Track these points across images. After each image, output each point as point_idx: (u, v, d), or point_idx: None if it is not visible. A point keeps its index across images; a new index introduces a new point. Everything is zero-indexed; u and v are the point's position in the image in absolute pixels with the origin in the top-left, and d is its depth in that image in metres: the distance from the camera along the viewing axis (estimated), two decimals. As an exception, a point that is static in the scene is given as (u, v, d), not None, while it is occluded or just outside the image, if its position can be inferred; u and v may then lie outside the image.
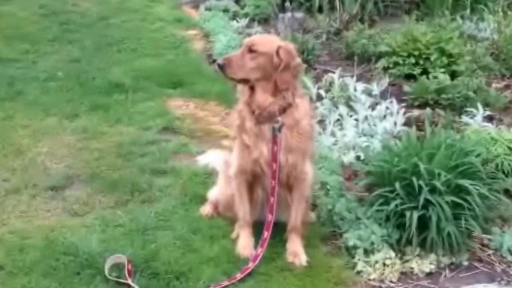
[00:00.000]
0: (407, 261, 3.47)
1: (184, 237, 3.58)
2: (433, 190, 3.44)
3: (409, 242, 3.50)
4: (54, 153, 4.67)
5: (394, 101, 5.34)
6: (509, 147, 4.27)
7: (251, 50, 3.30)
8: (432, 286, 3.35)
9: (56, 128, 5.10)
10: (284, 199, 3.49)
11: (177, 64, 6.66)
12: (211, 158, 4.42)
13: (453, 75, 6.02)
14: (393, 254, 3.46)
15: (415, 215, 3.37)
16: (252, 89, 3.34)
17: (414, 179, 3.42)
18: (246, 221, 3.53)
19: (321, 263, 3.44)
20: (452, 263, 3.48)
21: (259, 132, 3.33)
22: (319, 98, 5.58)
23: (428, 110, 5.22)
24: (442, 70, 6.06)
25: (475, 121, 5.00)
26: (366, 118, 5.13)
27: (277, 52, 3.27)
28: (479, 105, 5.18)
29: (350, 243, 3.52)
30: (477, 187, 3.48)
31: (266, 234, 3.36)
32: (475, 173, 3.60)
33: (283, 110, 3.31)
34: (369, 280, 3.37)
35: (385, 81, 5.70)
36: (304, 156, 3.41)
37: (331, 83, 5.81)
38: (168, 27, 8.14)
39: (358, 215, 3.65)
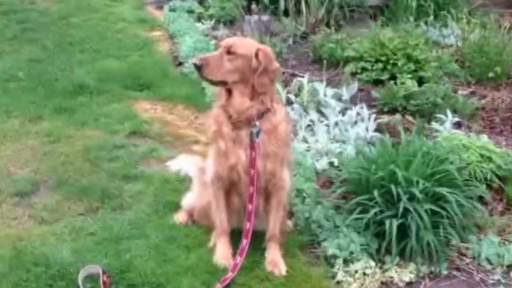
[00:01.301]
0: (386, 270, 3.45)
1: (160, 246, 3.48)
2: (411, 198, 3.43)
3: (388, 251, 3.48)
4: (18, 158, 4.49)
5: (365, 106, 5.33)
6: (481, 154, 4.31)
7: (229, 51, 3.21)
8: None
9: (19, 131, 4.92)
10: (262, 207, 3.42)
11: (143, 66, 6.51)
12: (182, 163, 4.32)
13: (420, 81, 6.05)
14: (372, 263, 3.43)
15: (395, 223, 3.36)
16: (229, 92, 3.26)
17: (392, 186, 3.41)
18: (224, 230, 3.45)
19: (300, 273, 3.38)
20: (431, 272, 3.47)
21: (236, 137, 3.25)
22: (289, 102, 5.53)
23: (398, 116, 5.23)
24: (410, 76, 6.09)
25: (445, 128, 5.03)
26: (336, 123, 5.11)
27: (256, 55, 3.20)
28: (448, 112, 5.22)
29: (329, 252, 3.48)
30: (455, 195, 3.48)
31: (245, 242, 3.28)
32: (451, 181, 3.61)
33: (261, 115, 3.24)
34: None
35: (355, 86, 5.69)
36: (282, 162, 3.34)
37: (300, 88, 5.76)
38: (131, 27, 7.97)
39: (337, 223, 3.61)
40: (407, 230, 3.42)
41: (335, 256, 3.47)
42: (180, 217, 3.76)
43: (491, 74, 6.37)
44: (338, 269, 3.41)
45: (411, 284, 3.41)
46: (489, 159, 4.32)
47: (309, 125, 5.13)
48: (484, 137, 4.69)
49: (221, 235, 3.45)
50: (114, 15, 8.50)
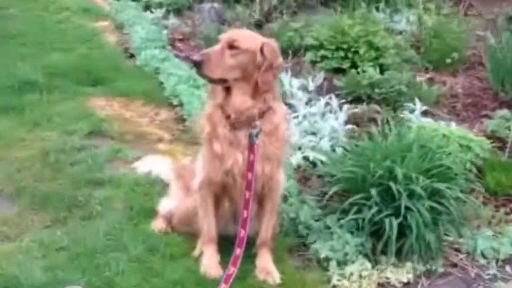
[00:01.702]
0: (382, 271, 3.28)
1: (141, 259, 3.19)
2: (411, 195, 3.28)
3: (382, 251, 3.32)
4: (-35, 165, 4.09)
5: (333, 97, 5.17)
6: (460, 144, 4.22)
7: (232, 46, 2.93)
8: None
9: (-40, 135, 4.50)
10: (254, 211, 3.18)
11: (93, 59, 6.13)
12: (152, 165, 4.06)
13: (381, 68, 5.95)
14: (368, 264, 3.27)
15: (395, 222, 3.20)
16: (227, 90, 2.99)
17: (392, 184, 3.25)
18: (211, 238, 3.20)
19: (293, 279, 3.17)
20: (427, 270, 3.33)
21: (234, 139, 3.00)
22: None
23: (372, 106, 5.10)
24: (371, 63, 5.98)
25: (416, 117, 4.92)
26: (305, 116, 4.91)
27: (261, 50, 2.94)
28: (417, 100, 5.11)
29: (322, 255, 3.29)
30: (453, 190, 3.37)
31: (239, 251, 3.04)
32: (447, 175, 3.48)
33: (262, 114, 3.00)
34: (345, 294, 3.16)
35: (321, 76, 5.50)
36: (279, 164, 3.13)
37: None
38: (75, 17, 7.53)
39: (328, 223, 3.42)
40: (406, 228, 3.27)
41: (328, 259, 3.28)
42: (158, 224, 3.48)
43: (448, 60, 6.35)
44: (333, 273, 3.23)
45: (408, 285, 3.26)
46: (468, 148, 4.24)
47: (278, 118, 4.92)
48: (453, 125, 4.62)
49: (209, 243, 3.20)
50: (55, 4, 8.01)
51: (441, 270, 3.36)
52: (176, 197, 3.47)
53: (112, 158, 4.29)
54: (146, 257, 3.20)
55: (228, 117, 2.99)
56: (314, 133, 4.69)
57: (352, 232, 3.35)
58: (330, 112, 5.01)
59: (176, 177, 3.56)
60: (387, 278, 3.25)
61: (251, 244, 3.23)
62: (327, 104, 5.07)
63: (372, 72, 5.70)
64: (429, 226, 3.28)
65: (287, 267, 3.27)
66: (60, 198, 3.71)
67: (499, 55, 5.71)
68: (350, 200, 3.32)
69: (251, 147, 2.98)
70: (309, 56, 6.16)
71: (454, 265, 3.41)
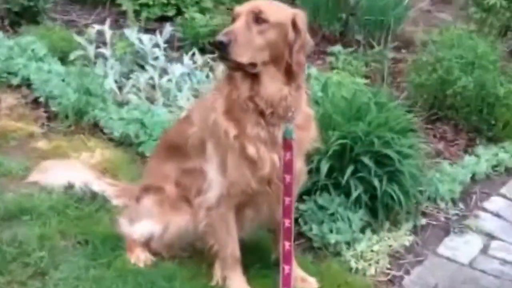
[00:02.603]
0: (384, 240, 3.18)
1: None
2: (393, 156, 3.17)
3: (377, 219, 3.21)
4: None
5: (197, 52, 4.66)
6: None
7: (259, 19, 2.33)
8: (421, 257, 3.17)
9: None
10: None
11: None
12: (59, 173, 3.20)
13: (202, 12, 5.54)
14: (374, 237, 3.14)
15: (389, 186, 3.12)
16: (253, 78, 2.39)
17: (387, 150, 3.12)
18: (237, 259, 2.66)
19: (324, 276, 2.86)
20: (414, 226, 3.33)
21: (269, 138, 2.45)
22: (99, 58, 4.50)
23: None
24: (195, 8, 5.55)
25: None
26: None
27: (293, 23, 2.40)
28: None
29: (332, 241, 3.04)
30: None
31: (287, 268, 2.59)
32: (396, 126, 3.39)
33: (295, 104, 2.47)
34: (373, 276, 2.98)
35: (168, 29, 4.86)
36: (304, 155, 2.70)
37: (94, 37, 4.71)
38: None
39: (321, 203, 3.12)
40: (393, 190, 3.18)
41: (337, 243, 3.05)
42: (139, 256, 2.78)
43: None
44: (352, 256, 3.02)
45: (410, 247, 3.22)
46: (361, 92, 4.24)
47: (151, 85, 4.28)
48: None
49: (234, 266, 2.65)
50: None
51: (423, 222, 3.39)
52: (156, 216, 2.78)
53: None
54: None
55: (261, 112, 2.43)
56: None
57: (350, 208, 3.15)
58: (197, 69, 4.54)
59: (143, 191, 2.87)
60: (389, 245, 3.16)
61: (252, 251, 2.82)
62: (193, 61, 4.58)
63: (199, 18, 5.30)
64: (411, 184, 3.26)
65: (303, 263, 2.92)
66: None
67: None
68: (349, 172, 3.08)
69: (286, 145, 2.48)
70: (128, 5, 5.39)
71: (423, 214, 3.44)
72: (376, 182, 3.09)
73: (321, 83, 3.99)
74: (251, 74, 2.38)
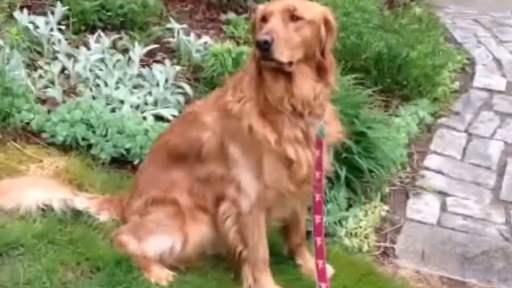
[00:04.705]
0: (366, 214, 3.30)
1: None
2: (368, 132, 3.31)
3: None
4: None
5: (102, 34, 4.25)
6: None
7: (294, 16, 2.28)
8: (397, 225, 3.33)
9: None
10: None
11: None
12: (32, 195, 2.82)
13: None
14: (360, 213, 3.24)
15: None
16: (285, 76, 2.31)
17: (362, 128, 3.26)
18: (266, 261, 2.58)
19: (337, 264, 2.88)
20: (383, 196, 3.48)
21: (305, 137, 2.40)
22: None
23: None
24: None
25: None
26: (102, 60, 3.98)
27: (325, 20, 2.36)
28: (172, 20, 4.60)
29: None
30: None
31: (322, 263, 2.57)
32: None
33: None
34: (368, 252, 3.10)
35: (60, 9, 4.31)
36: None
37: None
38: None
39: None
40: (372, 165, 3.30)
41: (329, 225, 3.10)
42: (160, 273, 2.57)
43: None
44: (344, 236, 3.10)
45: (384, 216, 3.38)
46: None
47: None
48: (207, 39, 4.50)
49: (265, 269, 2.57)
50: None
51: (387, 191, 3.56)
52: (172, 229, 2.57)
53: None
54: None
55: (295, 111, 2.35)
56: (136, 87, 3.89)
57: (333, 188, 3.20)
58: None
59: (149, 204, 2.63)
60: (373, 219, 3.29)
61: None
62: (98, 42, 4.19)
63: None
64: (378, 156, 3.39)
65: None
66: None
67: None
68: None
69: (318, 142, 2.43)
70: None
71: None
72: (361, 161, 3.17)
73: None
74: (283, 74, 2.31)
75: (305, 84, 2.34)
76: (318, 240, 2.56)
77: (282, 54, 2.23)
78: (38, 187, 2.83)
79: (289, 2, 2.31)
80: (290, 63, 2.28)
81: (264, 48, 2.20)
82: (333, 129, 2.53)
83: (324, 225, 2.95)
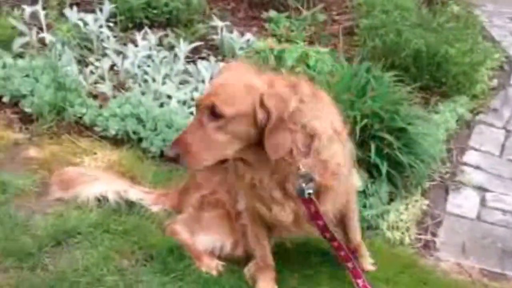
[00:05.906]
0: (407, 208, 3.37)
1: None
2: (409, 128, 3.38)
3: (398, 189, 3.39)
4: None
5: (149, 31, 4.40)
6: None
7: (214, 114, 2.10)
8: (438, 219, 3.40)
9: None
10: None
11: None
12: (90, 187, 2.97)
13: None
14: (400, 206, 3.32)
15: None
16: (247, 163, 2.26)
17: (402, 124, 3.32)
18: (267, 264, 2.64)
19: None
20: (423, 190, 3.55)
21: (285, 195, 2.34)
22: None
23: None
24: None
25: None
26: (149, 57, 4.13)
27: (261, 104, 2.11)
28: (216, 18, 4.73)
29: (368, 217, 3.16)
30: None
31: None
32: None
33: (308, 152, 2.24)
34: (410, 245, 3.17)
35: (107, 7, 4.49)
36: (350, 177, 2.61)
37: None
38: None
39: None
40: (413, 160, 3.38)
41: (372, 218, 3.18)
42: (210, 263, 2.69)
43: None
44: (386, 229, 3.18)
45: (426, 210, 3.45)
46: (323, 61, 4.34)
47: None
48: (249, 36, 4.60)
49: (265, 269, 2.66)
50: None
51: (427, 186, 3.63)
52: (222, 231, 2.71)
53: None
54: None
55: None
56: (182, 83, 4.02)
57: (375, 183, 3.28)
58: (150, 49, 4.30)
59: (202, 202, 2.75)
60: (414, 213, 3.37)
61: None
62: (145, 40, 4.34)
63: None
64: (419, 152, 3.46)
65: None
66: None
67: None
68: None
69: (304, 201, 2.32)
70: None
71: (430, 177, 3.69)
72: (402, 156, 3.25)
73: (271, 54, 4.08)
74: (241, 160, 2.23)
75: (264, 168, 2.23)
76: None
77: (198, 162, 2.12)
78: (93, 179, 2.97)
79: (210, 96, 2.13)
80: (222, 161, 2.17)
81: (174, 160, 2.14)
82: (324, 175, 2.30)
83: (366, 218, 3.15)
